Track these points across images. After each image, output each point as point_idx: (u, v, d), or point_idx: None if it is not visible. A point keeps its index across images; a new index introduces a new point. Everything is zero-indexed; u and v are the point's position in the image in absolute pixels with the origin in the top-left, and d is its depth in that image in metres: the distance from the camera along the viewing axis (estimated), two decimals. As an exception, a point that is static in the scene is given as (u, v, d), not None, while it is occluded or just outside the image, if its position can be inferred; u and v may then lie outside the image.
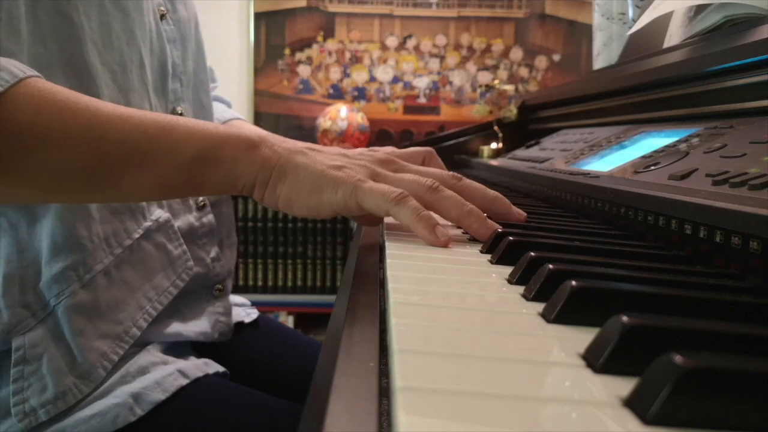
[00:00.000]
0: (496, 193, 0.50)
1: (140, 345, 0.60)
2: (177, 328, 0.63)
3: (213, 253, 0.70)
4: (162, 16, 0.65)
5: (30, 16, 0.51)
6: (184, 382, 0.57)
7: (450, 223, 0.52)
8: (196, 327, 0.65)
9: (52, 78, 0.51)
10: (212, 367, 0.62)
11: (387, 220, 0.51)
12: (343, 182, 0.44)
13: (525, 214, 0.51)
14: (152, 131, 0.45)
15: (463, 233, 0.51)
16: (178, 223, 0.64)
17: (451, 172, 0.50)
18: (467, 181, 0.50)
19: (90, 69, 0.54)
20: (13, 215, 0.54)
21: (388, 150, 0.54)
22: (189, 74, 0.70)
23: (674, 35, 0.86)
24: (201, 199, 0.69)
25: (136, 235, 0.59)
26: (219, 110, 0.86)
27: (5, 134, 0.41)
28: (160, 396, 0.55)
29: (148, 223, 0.60)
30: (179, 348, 0.63)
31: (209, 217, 0.70)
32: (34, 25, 0.51)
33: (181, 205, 0.66)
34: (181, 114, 0.66)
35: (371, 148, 0.54)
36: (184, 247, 0.64)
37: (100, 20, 0.55)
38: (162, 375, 0.56)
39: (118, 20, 0.57)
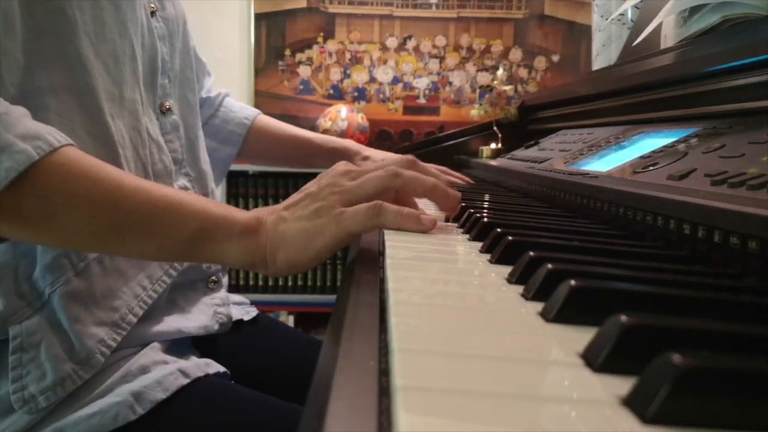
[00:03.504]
0: (441, 170, 0.58)
1: (142, 344, 0.60)
2: (178, 324, 0.64)
3: None
4: (152, 13, 0.67)
5: (25, 12, 0.53)
6: (185, 381, 0.57)
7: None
8: (197, 321, 0.66)
9: (49, 72, 0.54)
10: (213, 367, 0.62)
11: None
12: (325, 225, 0.47)
13: (459, 190, 0.59)
14: (161, 205, 0.49)
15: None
16: None
17: (405, 156, 0.55)
18: (421, 164, 0.55)
19: (84, 61, 0.56)
20: None
21: None
22: (176, 71, 0.72)
23: (670, 36, 0.86)
24: (196, 189, 0.70)
25: None
26: (237, 108, 0.93)
27: (36, 196, 0.46)
28: (160, 395, 0.55)
29: None
30: (180, 347, 0.64)
31: None
32: (29, 19, 0.53)
33: None
34: (169, 109, 0.69)
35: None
36: None
37: (93, 13, 0.57)
38: (163, 374, 0.57)
39: (111, 13, 0.59)
